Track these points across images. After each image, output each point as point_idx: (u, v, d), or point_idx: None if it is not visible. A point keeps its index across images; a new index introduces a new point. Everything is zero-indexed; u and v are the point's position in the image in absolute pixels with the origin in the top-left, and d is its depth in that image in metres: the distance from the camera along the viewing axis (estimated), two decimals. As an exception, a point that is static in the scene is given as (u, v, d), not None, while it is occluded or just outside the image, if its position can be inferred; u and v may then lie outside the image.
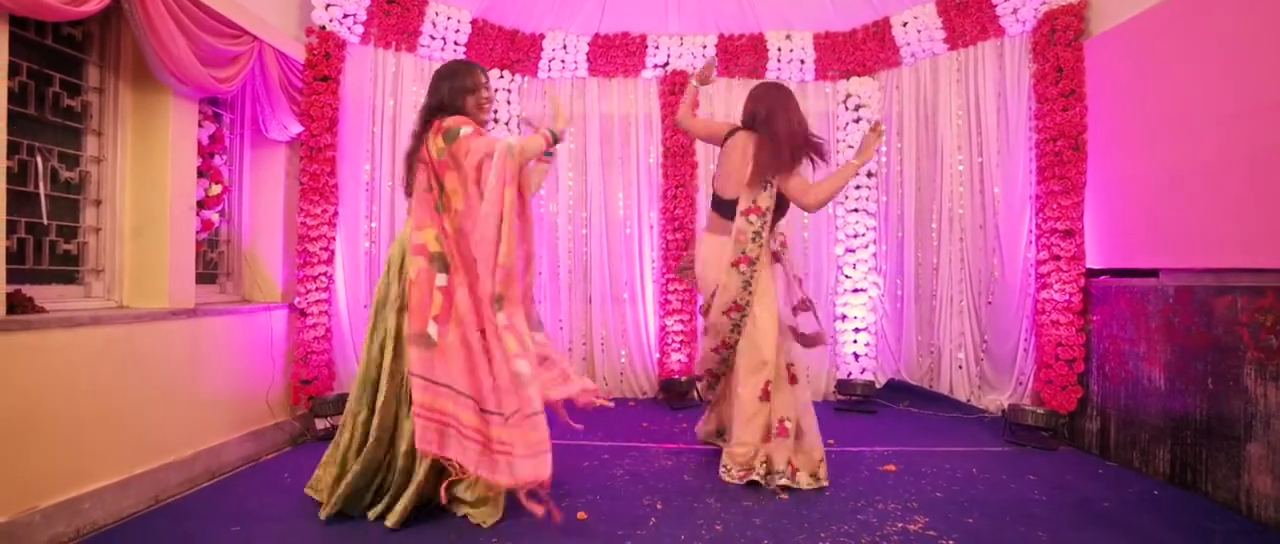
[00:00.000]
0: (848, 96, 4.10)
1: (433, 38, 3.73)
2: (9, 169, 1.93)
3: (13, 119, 1.93)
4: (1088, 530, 2.08)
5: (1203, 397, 2.39)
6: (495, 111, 2.39)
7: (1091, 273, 3.04)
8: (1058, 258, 3.09)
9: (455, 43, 3.82)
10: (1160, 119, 2.66)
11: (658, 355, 4.10)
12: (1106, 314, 2.92)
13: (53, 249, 2.23)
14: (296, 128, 3.13)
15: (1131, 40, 2.83)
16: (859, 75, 4.09)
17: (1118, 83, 2.90)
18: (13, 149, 1.99)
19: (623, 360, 4.17)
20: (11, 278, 1.94)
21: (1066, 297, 3.04)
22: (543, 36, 4.14)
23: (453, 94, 2.20)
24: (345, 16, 3.31)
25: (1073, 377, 3.01)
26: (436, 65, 3.77)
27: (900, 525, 2.10)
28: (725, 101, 4.20)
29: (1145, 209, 2.73)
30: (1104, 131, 2.98)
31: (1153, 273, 2.68)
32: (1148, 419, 2.65)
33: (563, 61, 4.14)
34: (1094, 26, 3.09)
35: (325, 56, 3.19)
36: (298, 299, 3.15)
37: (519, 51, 4.10)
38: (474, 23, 3.87)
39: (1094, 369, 2.98)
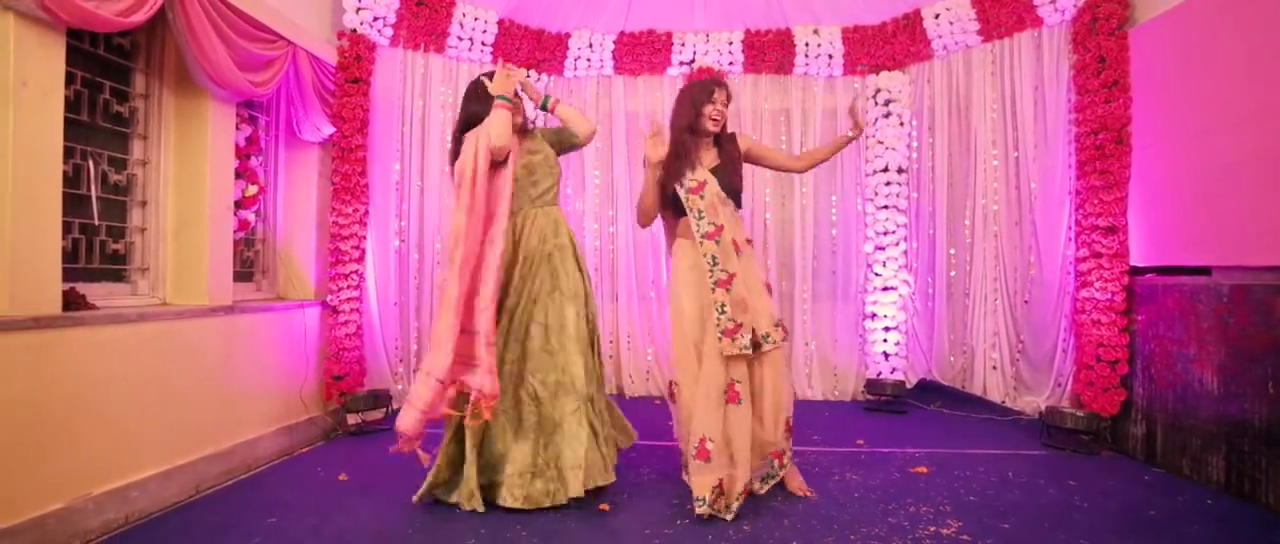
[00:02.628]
0: (877, 91, 4.02)
1: (460, 39, 3.78)
2: (64, 173, 2.02)
3: (67, 125, 2.02)
4: (1134, 539, 1.99)
5: (1262, 401, 2.27)
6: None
7: (1135, 271, 2.92)
8: (1099, 255, 2.98)
9: (483, 43, 3.86)
10: (1212, 109, 2.54)
11: (684, 354, 4.08)
12: (1152, 314, 2.80)
13: (102, 248, 2.33)
14: (329, 129, 3.20)
15: (1181, 27, 2.70)
16: (888, 69, 4.01)
17: (1165, 72, 2.78)
18: (67, 154, 2.08)
19: (649, 358, 4.17)
20: (66, 276, 2.03)
21: (1108, 295, 2.93)
22: (569, 35, 4.15)
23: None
24: (375, 19, 3.38)
25: (1115, 378, 2.90)
26: (464, 66, 3.88)
27: (933, 529, 2.05)
28: (752, 100, 4.16)
29: (1195, 204, 2.61)
30: (1149, 124, 2.86)
31: (1204, 271, 2.56)
32: (1199, 424, 2.54)
33: (589, 60, 4.15)
34: (1139, 14, 2.97)
35: (356, 59, 3.26)
36: (330, 297, 3.22)
37: (545, 51, 4.13)
38: (501, 23, 3.91)
39: (1139, 371, 2.87)
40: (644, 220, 2.45)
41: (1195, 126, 2.61)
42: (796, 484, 2.38)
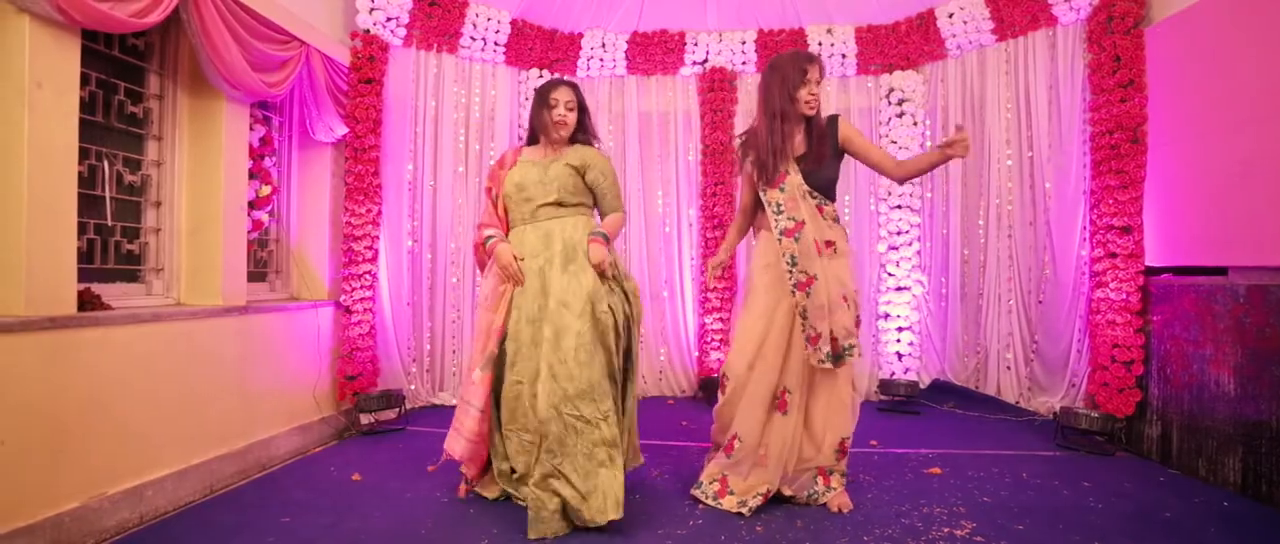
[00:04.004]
0: (891, 90, 4.00)
1: (473, 39, 3.78)
2: (79, 174, 2.03)
3: (82, 126, 2.03)
4: (1149, 541, 1.98)
5: None
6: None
7: (1150, 271, 2.90)
8: (1114, 255, 2.95)
9: (496, 44, 3.86)
10: (1229, 108, 2.51)
11: (697, 354, 4.08)
12: (1168, 314, 2.78)
13: (117, 249, 2.34)
14: (342, 129, 3.21)
15: (1197, 26, 2.68)
16: (902, 69, 3.99)
17: (1182, 71, 2.75)
18: (82, 155, 2.09)
19: (662, 358, 4.16)
20: (81, 277, 2.04)
21: (1123, 295, 2.90)
22: (582, 36, 4.15)
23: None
24: (388, 20, 3.39)
25: (1130, 379, 2.87)
26: (477, 67, 3.87)
27: (947, 530, 2.03)
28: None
29: (1212, 204, 2.58)
30: (1165, 123, 2.83)
31: (1220, 271, 2.54)
32: (1216, 425, 2.51)
33: (601, 60, 4.14)
34: (1155, 13, 2.94)
35: (369, 59, 3.26)
36: (343, 297, 3.23)
37: (558, 51, 4.13)
38: (514, 23, 3.90)
39: (1154, 372, 2.84)
40: (743, 224, 2.38)
41: (1211, 125, 2.58)
42: (839, 502, 2.19)
